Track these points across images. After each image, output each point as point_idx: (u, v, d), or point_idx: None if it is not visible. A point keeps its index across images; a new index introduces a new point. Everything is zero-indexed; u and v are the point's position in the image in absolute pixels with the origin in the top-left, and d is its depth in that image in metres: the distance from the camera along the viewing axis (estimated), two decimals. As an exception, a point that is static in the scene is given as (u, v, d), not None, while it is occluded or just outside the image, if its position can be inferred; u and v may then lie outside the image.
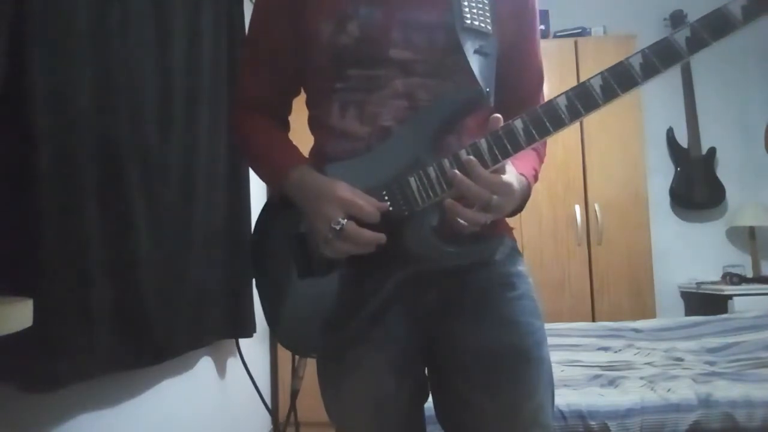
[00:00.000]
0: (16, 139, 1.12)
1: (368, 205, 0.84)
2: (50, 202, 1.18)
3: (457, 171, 0.82)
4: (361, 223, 0.83)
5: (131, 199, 1.49)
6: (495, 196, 0.82)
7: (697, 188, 3.71)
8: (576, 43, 3.41)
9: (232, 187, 2.25)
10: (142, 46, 1.62)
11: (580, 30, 3.59)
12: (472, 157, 0.82)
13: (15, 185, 1.12)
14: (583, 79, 0.82)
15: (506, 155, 0.83)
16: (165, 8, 1.77)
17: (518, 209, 0.94)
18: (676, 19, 3.70)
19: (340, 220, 0.82)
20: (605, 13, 3.76)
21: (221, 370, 2.34)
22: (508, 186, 0.84)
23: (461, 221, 0.83)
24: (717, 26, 0.76)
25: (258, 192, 2.61)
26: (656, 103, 3.72)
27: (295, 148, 0.99)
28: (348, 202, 0.84)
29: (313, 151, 1.01)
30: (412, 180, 0.86)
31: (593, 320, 3.15)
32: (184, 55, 1.89)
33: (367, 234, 0.83)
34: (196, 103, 1.95)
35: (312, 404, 2.49)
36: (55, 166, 1.19)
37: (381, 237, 0.83)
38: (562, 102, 0.81)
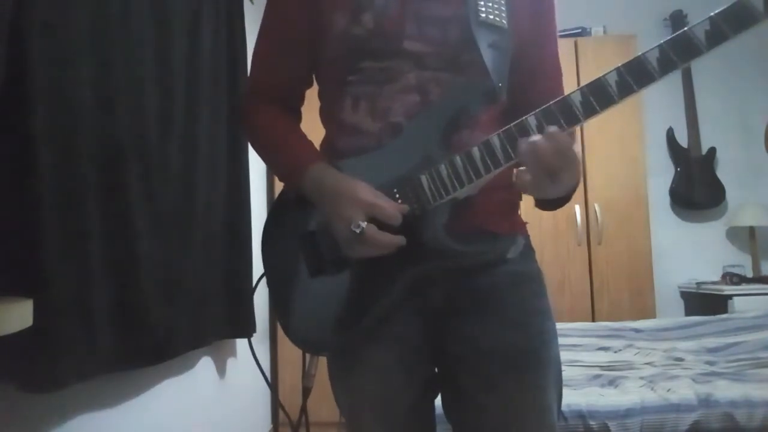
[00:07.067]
0: (16, 139, 1.12)
1: (390, 208, 0.83)
2: (50, 202, 1.17)
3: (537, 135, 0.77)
4: (381, 226, 0.82)
5: (131, 199, 1.49)
6: (560, 160, 0.75)
7: (697, 188, 3.71)
8: (576, 43, 3.40)
9: (232, 186, 2.25)
10: (142, 45, 1.62)
11: (580, 30, 3.59)
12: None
13: (15, 185, 1.12)
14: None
15: None
16: (165, 8, 1.77)
17: (565, 198, 0.88)
18: (676, 19, 3.71)
19: (360, 223, 0.81)
20: (605, 13, 3.76)
21: (221, 370, 2.34)
22: (573, 155, 0.77)
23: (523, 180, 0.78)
24: (738, 18, 0.72)
25: (258, 191, 2.61)
26: (656, 103, 3.72)
27: (311, 144, 0.97)
28: (369, 205, 0.83)
29: (324, 144, 1.00)
30: (423, 178, 0.85)
31: (593, 320, 3.15)
32: (184, 54, 1.89)
33: (387, 237, 0.82)
34: (196, 103, 1.95)
35: (317, 404, 2.52)
36: (55, 165, 1.19)
37: (401, 240, 0.82)
38: (577, 98, 0.78)
